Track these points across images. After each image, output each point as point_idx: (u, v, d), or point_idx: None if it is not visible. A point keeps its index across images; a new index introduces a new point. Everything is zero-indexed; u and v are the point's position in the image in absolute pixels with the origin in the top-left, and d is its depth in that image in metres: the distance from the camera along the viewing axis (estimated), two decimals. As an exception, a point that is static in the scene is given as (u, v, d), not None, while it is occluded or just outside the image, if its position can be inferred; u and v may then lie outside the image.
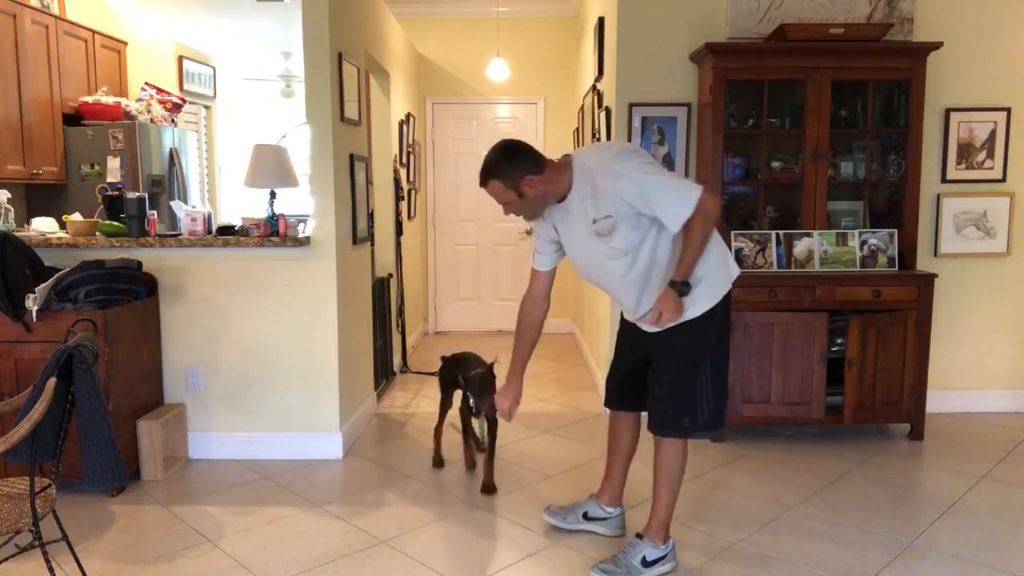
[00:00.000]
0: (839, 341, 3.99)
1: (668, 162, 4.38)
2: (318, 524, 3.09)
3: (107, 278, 3.34)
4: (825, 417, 3.95)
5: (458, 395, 3.70)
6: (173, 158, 5.49)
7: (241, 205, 6.82)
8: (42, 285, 3.22)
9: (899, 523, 3.07)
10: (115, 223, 3.83)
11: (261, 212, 3.84)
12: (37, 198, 4.92)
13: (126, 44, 5.71)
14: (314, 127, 3.73)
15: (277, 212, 3.76)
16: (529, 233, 7.15)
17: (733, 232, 4.06)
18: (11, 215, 4.06)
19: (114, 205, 4.23)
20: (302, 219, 3.81)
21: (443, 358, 3.80)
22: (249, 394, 3.83)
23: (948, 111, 4.37)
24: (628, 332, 2.82)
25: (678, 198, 2.42)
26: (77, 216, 3.95)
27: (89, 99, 5.05)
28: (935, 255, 4.44)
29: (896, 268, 4.06)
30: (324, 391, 3.82)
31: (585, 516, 3.00)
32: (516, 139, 2.65)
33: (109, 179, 5.00)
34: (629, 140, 4.38)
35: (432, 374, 4.00)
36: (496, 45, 6.87)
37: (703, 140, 4.20)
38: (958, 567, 2.71)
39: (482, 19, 6.89)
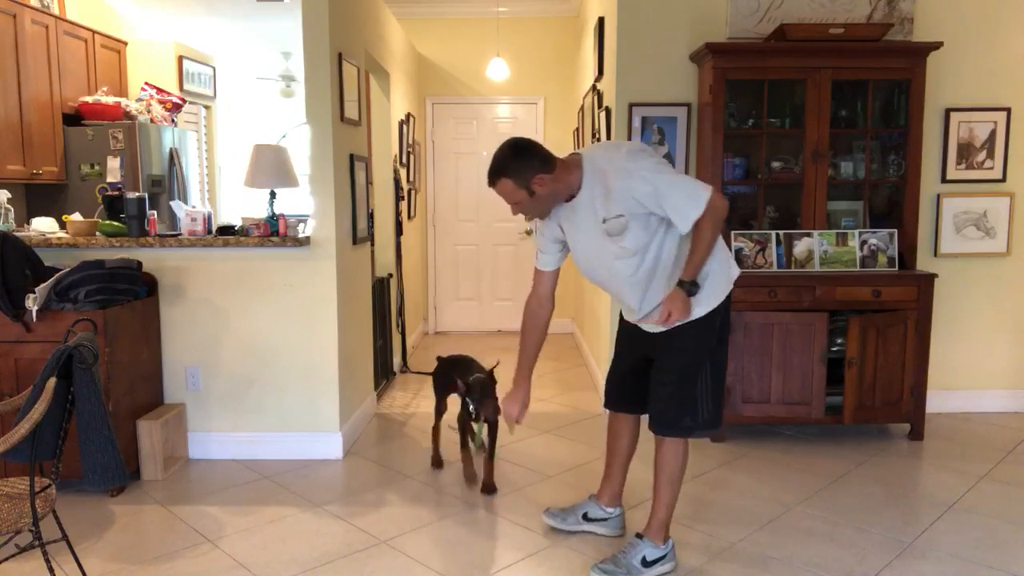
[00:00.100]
0: (839, 341, 3.99)
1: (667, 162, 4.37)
2: (318, 524, 3.09)
3: (107, 278, 3.34)
4: (825, 417, 3.95)
5: (453, 399, 3.65)
6: (173, 158, 5.49)
7: (241, 205, 6.83)
8: (42, 285, 3.22)
9: (899, 523, 3.07)
10: (115, 223, 3.83)
11: (261, 212, 3.84)
12: (37, 198, 4.92)
13: (126, 44, 5.71)
14: (314, 127, 3.73)
15: (277, 212, 3.76)
16: (529, 233, 7.15)
17: (733, 232, 4.06)
18: (11, 215, 4.06)
19: (114, 205, 4.23)
20: (302, 219, 3.81)
21: (439, 359, 3.79)
22: (249, 394, 3.83)
23: (948, 111, 4.37)
24: (628, 332, 2.82)
25: (689, 198, 2.42)
26: (77, 216, 3.95)
27: (89, 99, 5.05)
28: (935, 255, 4.44)
29: (896, 268, 4.06)
30: (324, 391, 3.82)
31: (585, 517, 3.00)
32: (525, 137, 2.61)
33: (109, 179, 5.00)
34: (629, 140, 4.38)
35: (430, 374, 3.87)
36: (496, 45, 6.87)
37: (703, 140, 4.20)
38: (958, 567, 2.71)
39: (482, 19, 6.89)
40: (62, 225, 4.03)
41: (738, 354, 3.93)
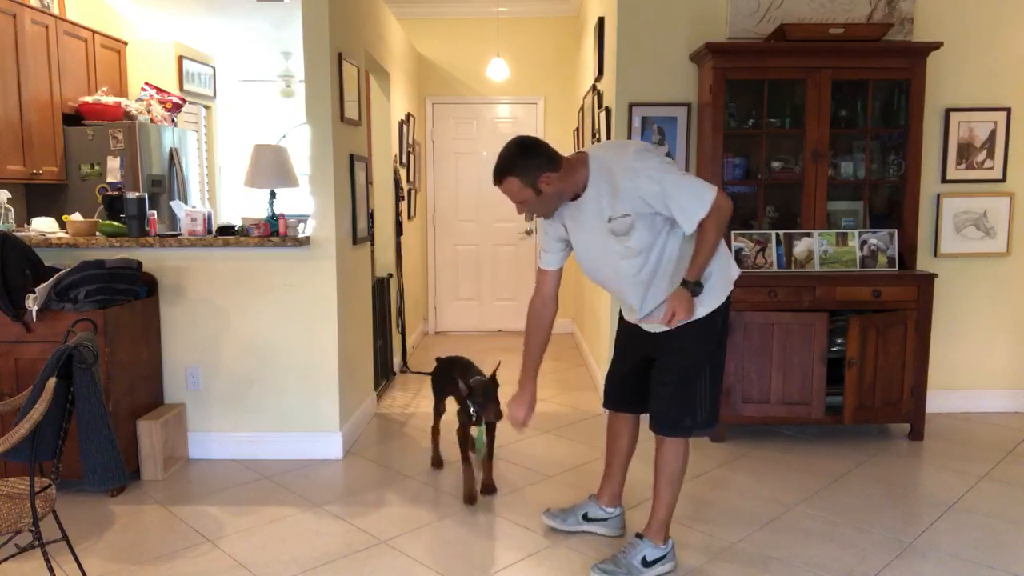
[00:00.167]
0: (839, 341, 3.99)
1: (668, 162, 4.37)
2: (318, 524, 3.09)
3: (107, 278, 3.34)
4: (825, 417, 3.95)
5: (450, 403, 3.60)
6: (173, 158, 5.49)
7: (241, 205, 6.83)
8: (42, 285, 3.22)
9: (899, 523, 3.07)
10: (115, 223, 3.83)
11: (261, 212, 3.84)
12: (37, 198, 4.92)
13: (126, 44, 5.71)
14: (314, 127, 3.73)
15: (277, 212, 3.76)
16: (529, 233, 7.15)
17: (733, 232, 4.06)
18: (11, 215, 4.06)
19: (114, 205, 4.23)
20: (302, 219, 3.81)
21: (438, 359, 3.77)
22: (249, 394, 3.83)
23: (948, 111, 4.37)
24: (629, 333, 2.82)
25: (695, 198, 2.42)
26: (77, 216, 3.95)
27: (89, 99, 5.05)
28: (935, 255, 4.44)
29: (896, 268, 4.06)
30: (324, 391, 3.82)
31: (585, 517, 3.00)
32: (530, 135, 2.59)
33: (109, 179, 5.00)
34: (629, 140, 4.38)
35: (430, 374, 3.84)
36: (496, 45, 6.87)
37: (703, 140, 4.20)
38: (958, 567, 2.71)
39: (482, 19, 6.89)
40: (62, 225, 4.03)
41: (738, 354, 3.93)
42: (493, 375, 3.31)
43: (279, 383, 3.82)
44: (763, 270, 4.04)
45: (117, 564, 2.75)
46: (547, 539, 2.95)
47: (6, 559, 2.36)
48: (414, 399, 4.98)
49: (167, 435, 3.62)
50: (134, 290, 3.52)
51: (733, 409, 3.98)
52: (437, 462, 3.72)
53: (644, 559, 2.63)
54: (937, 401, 4.39)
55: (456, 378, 3.39)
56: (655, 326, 2.62)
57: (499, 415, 3.14)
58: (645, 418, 2.78)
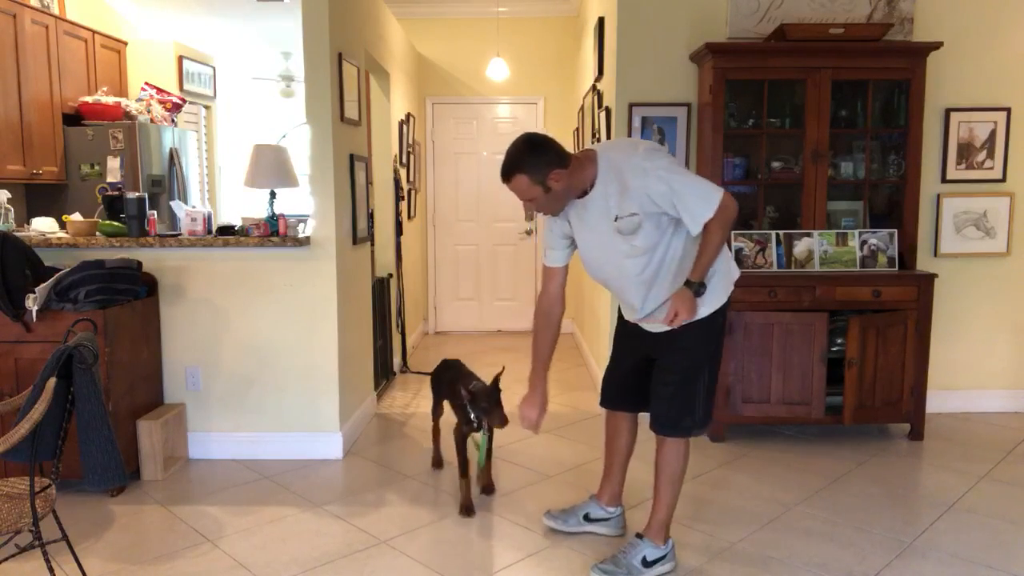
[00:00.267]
0: (839, 341, 3.99)
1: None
2: (318, 524, 3.09)
3: (107, 278, 3.34)
4: (825, 417, 3.95)
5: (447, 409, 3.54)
6: (173, 158, 5.49)
7: (241, 205, 6.83)
8: (42, 285, 3.22)
9: (899, 523, 3.07)
10: (115, 223, 3.83)
11: (261, 212, 3.84)
12: (37, 198, 4.92)
13: (126, 44, 5.71)
14: (314, 127, 3.73)
15: (277, 212, 3.76)
16: (529, 233, 7.15)
17: (733, 232, 4.06)
18: (11, 215, 4.06)
19: (114, 205, 4.23)
20: (302, 219, 3.81)
21: (444, 362, 3.69)
22: (249, 394, 3.83)
23: (948, 111, 4.37)
24: (629, 333, 2.82)
25: (702, 200, 2.42)
26: (77, 216, 3.95)
27: (89, 99, 5.05)
28: (935, 255, 4.44)
29: (896, 268, 4.06)
30: (324, 391, 3.82)
31: (586, 517, 2.99)
32: (538, 132, 2.58)
33: (109, 179, 5.00)
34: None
35: (429, 374, 3.80)
36: (496, 45, 6.87)
37: (703, 140, 4.20)
38: (958, 567, 2.71)
39: (482, 19, 6.89)
40: (62, 225, 4.03)
41: (738, 354, 3.93)
42: (496, 379, 3.19)
43: (279, 383, 3.82)
44: (763, 270, 4.04)
45: (117, 564, 2.75)
46: (547, 539, 2.95)
47: (6, 559, 2.36)
48: (414, 399, 4.98)
49: (167, 435, 3.62)
50: (134, 290, 3.52)
51: (733, 409, 3.98)
52: (438, 462, 3.71)
53: (644, 559, 2.63)
54: (937, 401, 4.39)
55: (454, 384, 3.32)
56: (657, 326, 2.61)
57: (504, 421, 3.05)
58: (644, 418, 2.79)
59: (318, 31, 3.68)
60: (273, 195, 3.80)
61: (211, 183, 6.68)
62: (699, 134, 4.30)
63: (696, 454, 3.76)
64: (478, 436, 3.30)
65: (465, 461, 3.22)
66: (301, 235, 3.72)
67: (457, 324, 7.34)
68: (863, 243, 4.06)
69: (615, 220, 2.49)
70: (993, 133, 4.38)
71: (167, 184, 5.39)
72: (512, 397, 3.10)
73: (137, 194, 3.73)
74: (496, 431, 3.31)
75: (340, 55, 3.83)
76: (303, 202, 3.99)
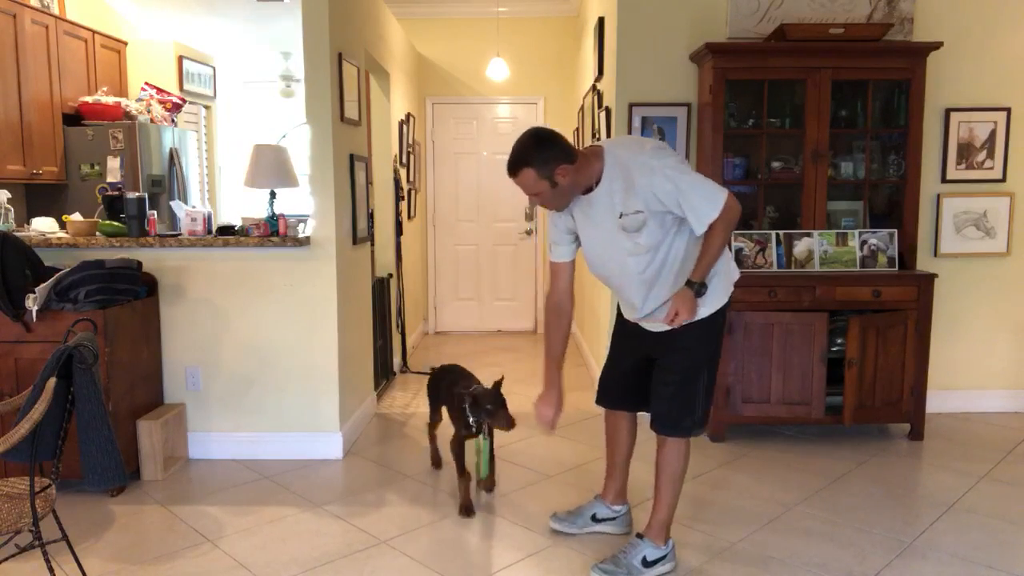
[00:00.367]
0: (839, 341, 3.99)
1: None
2: (318, 524, 3.09)
3: (107, 278, 3.34)
4: (825, 417, 3.95)
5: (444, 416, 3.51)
6: (173, 158, 5.49)
7: (241, 205, 6.82)
8: (42, 285, 3.22)
9: (899, 523, 3.07)
10: (115, 223, 3.83)
11: (261, 212, 3.84)
12: (37, 198, 4.92)
13: (126, 44, 5.71)
14: (314, 127, 3.73)
15: (277, 212, 3.76)
16: (529, 233, 7.15)
17: (733, 232, 4.05)
18: (11, 215, 4.06)
19: (114, 205, 4.23)
20: (302, 219, 3.81)
21: (442, 367, 3.64)
22: (249, 394, 3.83)
23: (948, 111, 4.37)
24: (628, 332, 2.82)
25: (707, 200, 2.42)
26: (77, 216, 3.95)
27: (89, 99, 5.05)
28: (935, 255, 4.44)
29: (896, 268, 4.06)
30: (324, 391, 3.82)
31: (593, 518, 2.99)
32: (545, 127, 2.58)
33: (109, 179, 5.00)
34: (629, 140, 4.38)
35: (427, 373, 3.77)
36: (496, 45, 6.87)
37: (703, 140, 4.20)
38: (958, 567, 2.71)
39: (482, 19, 6.89)
40: (62, 225, 4.03)
41: (738, 354, 3.93)
42: (497, 385, 3.14)
43: (279, 383, 3.82)
44: (763, 270, 4.04)
45: (117, 564, 2.75)
46: (547, 539, 2.95)
47: (6, 559, 2.36)
48: (414, 399, 4.98)
49: (167, 435, 3.62)
50: (134, 290, 3.52)
51: (733, 409, 3.98)
52: (436, 461, 3.70)
53: (644, 559, 2.63)
54: (937, 401, 4.39)
55: (453, 387, 3.27)
56: (657, 325, 2.62)
57: (511, 423, 3.02)
58: (644, 418, 2.79)
59: (318, 31, 3.68)
60: (273, 195, 3.80)
61: (211, 183, 6.68)
62: (699, 134, 4.30)
63: (696, 454, 3.75)
64: (478, 442, 3.23)
65: (463, 462, 3.21)
66: (301, 235, 3.72)
67: (457, 324, 7.34)
68: (863, 243, 4.06)
69: (620, 217, 2.49)
70: (993, 133, 4.38)
71: (167, 184, 5.39)
72: (512, 398, 3.11)
73: (137, 194, 3.73)
74: (496, 432, 3.29)
75: (340, 55, 3.83)
76: (303, 202, 3.99)
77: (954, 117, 4.37)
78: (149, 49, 5.89)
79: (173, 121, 5.64)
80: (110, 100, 5.08)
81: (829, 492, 3.39)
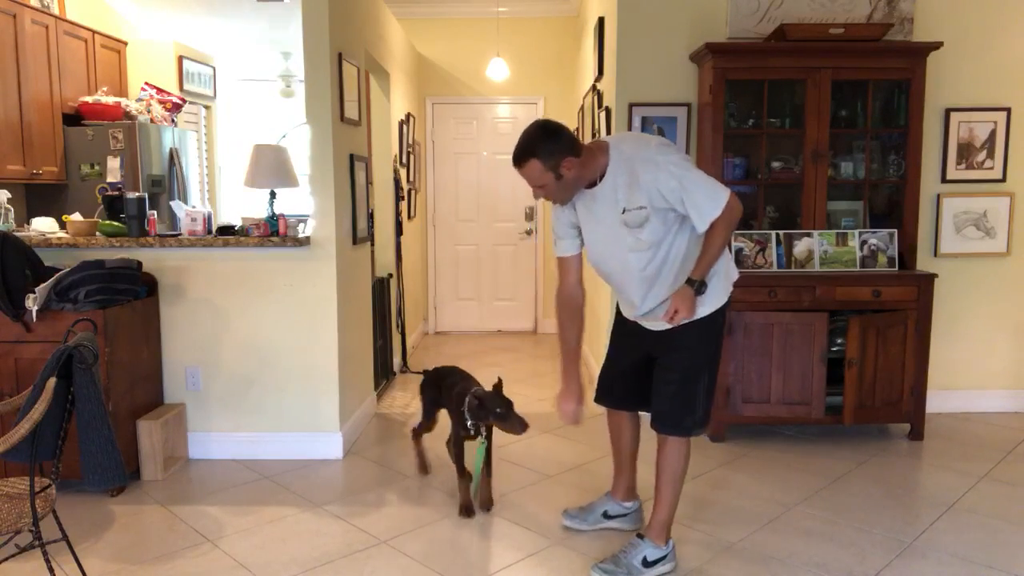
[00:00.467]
0: (839, 341, 3.99)
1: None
2: (318, 524, 3.09)
3: (107, 278, 3.34)
4: (825, 417, 3.95)
5: (444, 421, 3.43)
6: (173, 158, 5.49)
7: (241, 205, 6.82)
8: (42, 285, 3.22)
9: (899, 523, 3.07)
10: (115, 223, 3.83)
11: (261, 212, 3.84)
12: (37, 198, 4.92)
13: (126, 44, 5.71)
14: (314, 127, 3.73)
15: (277, 212, 3.76)
16: (529, 233, 7.15)
17: (734, 232, 4.05)
18: (11, 215, 4.06)
19: (114, 205, 4.23)
20: (302, 219, 3.81)
21: (437, 369, 3.57)
22: (249, 394, 3.83)
23: (948, 111, 4.37)
24: (628, 331, 2.82)
25: (710, 199, 2.43)
26: (77, 216, 3.94)
27: (89, 99, 5.05)
28: (935, 255, 4.44)
29: (896, 268, 4.06)
30: (324, 391, 3.82)
31: (605, 515, 3.01)
32: (552, 120, 2.57)
33: (109, 179, 5.00)
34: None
35: (423, 373, 3.67)
36: (496, 45, 6.87)
37: (703, 140, 4.20)
38: (958, 567, 2.71)
39: (482, 19, 6.89)
40: (62, 225, 4.02)
41: (738, 354, 3.93)
42: (498, 387, 3.11)
43: (279, 383, 3.82)
44: (763, 270, 4.04)
45: (117, 564, 2.75)
46: (547, 539, 2.95)
47: (6, 559, 2.36)
48: (414, 399, 4.97)
49: (167, 435, 3.62)
50: (134, 290, 3.52)
51: (733, 409, 3.98)
52: (424, 467, 3.59)
53: (645, 559, 2.63)
54: (937, 401, 4.39)
55: (453, 388, 3.22)
56: (657, 324, 2.62)
57: (524, 425, 2.97)
58: (645, 417, 2.79)
59: (318, 31, 3.68)
60: (273, 195, 3.80)
61: (211, 183, 6.68)
62: (699, 134, 4.30)
63: (696, 454, 3.75)
64: (479, 448, 3.16)
65: (463, 462, 3.20)
66: (301, 235, 3.72)
67: (457, 324, 7.34)
68: (863, 243, 4.06)
69: (622, 212, 2.49)
70: (993, 133, 4.38)
71: (167, 184, 5.39)
72: (513, 398, 3.09)
73: (137, 194, 3.73)
74: (496, 433, 3.23)
75: (340, 55, 3.83)
76: (303, 202, 3.99)
77: (954, 117, 4.37)
78: (149, 49, 5.89)
79: (173, 121, 5.64)
80: (110, 100, 5.08)
81: (829, 492, 3.39)
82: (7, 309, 3.21)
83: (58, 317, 3.26)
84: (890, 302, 3.95)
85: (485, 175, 7.13)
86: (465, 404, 3.09)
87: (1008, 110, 4.37)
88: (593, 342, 5.49)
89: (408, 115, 6.22)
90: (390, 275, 5.49)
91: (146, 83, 5.54)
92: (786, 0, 4.24)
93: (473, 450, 3.17)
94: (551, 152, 2.44)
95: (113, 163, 5.00)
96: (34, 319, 3.23)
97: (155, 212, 3.87)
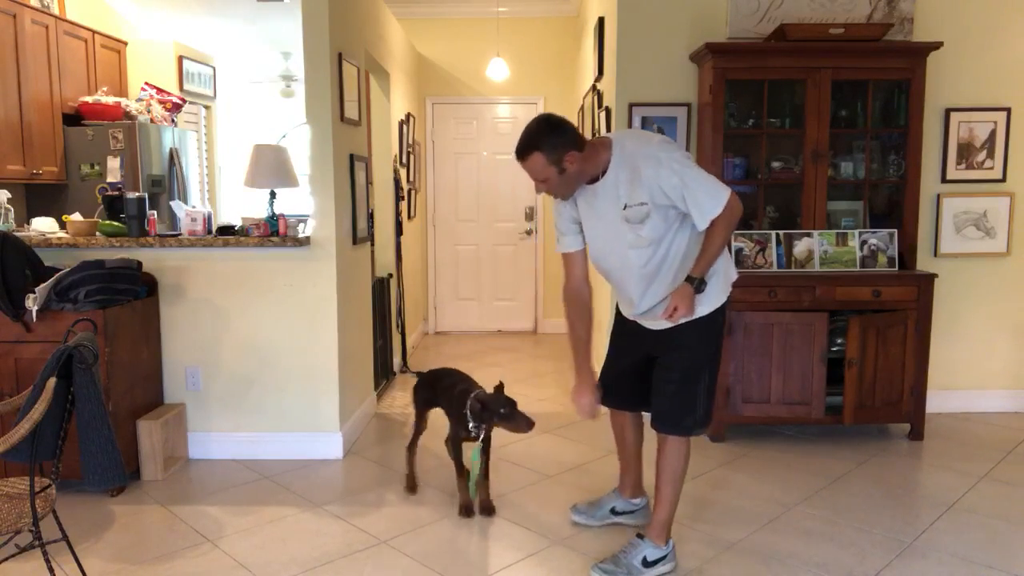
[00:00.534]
0: (839, 341, 3.99)
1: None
2: (318, 524, 3.09)
3: (107, 278, 3.34)
4: (825, 417, 3.95)
5: (439, 421, 3.43)
6: (173, 158, 5.49)
7: (241, 205, 6.83)
8: (42, 285, 3.22)
9: (899, 523, 3.07)
10: (115, 223, 3.83)
11: (261, 212, 3.84)
12: (37, 198, 4.92)
13: (126, 44, 5.71)
14: (314, 127, 3.73)
15: (277, 212, 3.76)
16: (529, 233, 7.15)
17: (734, 232, 4.05)
18: (11, 215, 4.06)
19: (114, 205, 4.23)
20: (302, 219, 3.81)
21: (432, 371, 3.51)
22: (249, 394, 3.83)
23: (948, 111, 4.37)
24: (629, 331, 2.82)
25: (711, 197, 2.44)
26: (77, 216, 3.95)
27: (89, 99, 5.05)
28: (935, 255, 4.44)
29: (896, 268, 4.06)
30: (324, 391, 3.82)
31: (613, 511, 3.03)
32: (556, 114, 2.58)
33: (109, 179, 5.00)
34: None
35: (421, 374, 3.61)
36: (496, 45, 6.87)
37: (703, 140, 4.20)
38: (958, 567, 2.71)
39: (482, 19, 6.89)
40: (62, 225, 4.02)
41: (738, 354, 3.93)
42: (499, 388, 3.07)
43: (279, 383, 3.82)
44: (763, 270, 4.04)
45: (117, 564, 2.75)
46: (547, 539, 2.95)
47: (6, 559, 2.36)
48: (414, 399, 4.97)
49: (167, 435, 3.62)
50: (134, 290, 3.52)
51: (733, 409, 3.98)
52: (411, 486, 3.41)
53: (645, 559, 2.63)
54: (937, 401, 4.39)
55: (452, 389, 3.18)
56: (656, 323, 2.62)
57: (531, 424, 2.95)
58: (646, 417, 2.79)
59: (318, 31, 3.68)
60: (273, 195, 3.80)
61: (211, 183, 6.68)
62: (699, 134, 4.30)
63: (696, 454, 3.75)
64: (475, 451, 3.09)
65: (461, 462, 3.20)
66: (301, 235, 3.72)
67: (457, 324, 7.34)
68: (863, 243, 4.06)
69: (624, 208, 2.50)
70: (993, 133, 4.38)
71: (167, 184, 5.39)
72: (513, 398, 3.09)
73: (137, 194, 3.73)
74: (491, 436, 3.16)
75: (340, 55, 3.83)
76: (303, 202, 3.99)
77: (954, 117, 4.37)
78: (149, 49, 5.89)
79: (173, 121, 5.64)
80: (110, 100, 5.08)
81: (829, 492, 3.39)
82: (7, 309, 3.21)
83: (58, 317, 3.26)
84: (890, 302, 3.95)
85: (485, 175, 7.13)
86: (467, 406, 3.05)
87: (1008, 110, 4.37)
88: (594, 343, 5.49)
89: (408, 115, 6.22)
90: (390, 275, 5.49)
91: (146, 83, 5.54)
92: (786, 0, 4.24)
93: (471, 449, 3.15)
94: (554, 146, 2.45)
95: (113, 163, 5.00)
96: (34, 319, 3.23)
97: (155, 212, 3.88)
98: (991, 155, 4.40)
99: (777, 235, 4.07)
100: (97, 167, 5.01)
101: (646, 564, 2.63)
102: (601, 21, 5.02)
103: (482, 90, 7.04)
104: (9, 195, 4.03)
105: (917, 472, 3.68)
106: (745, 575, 2.66)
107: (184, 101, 5.83)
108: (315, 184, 3.75)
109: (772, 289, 3.92)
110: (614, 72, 4.43)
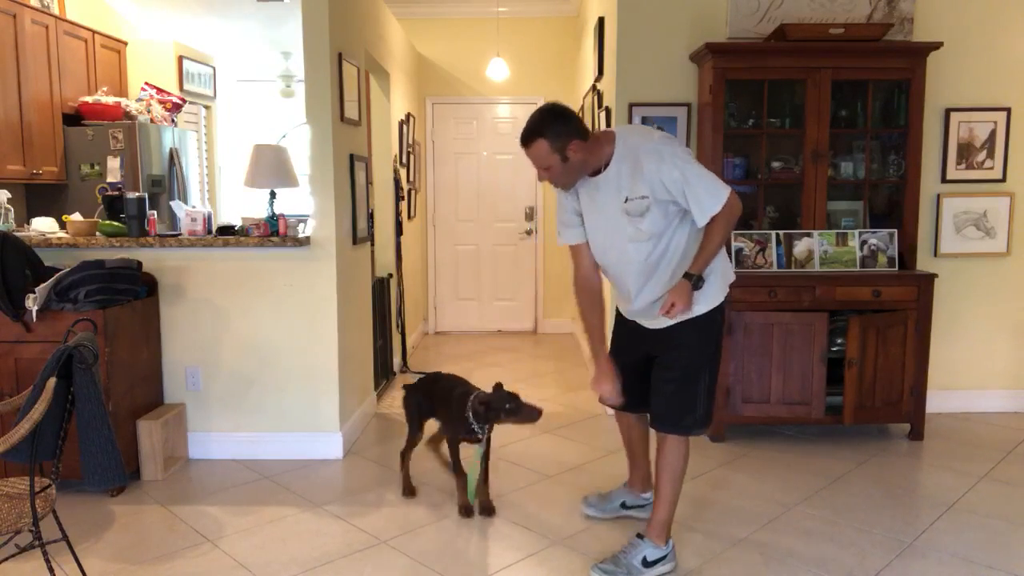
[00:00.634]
0: (839, 341, 3.99)
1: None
2: (318, 524, 3.09)
3: (107, 278, 3.34)
4: (825, 417, 3.95)
5: (434, 428, 3.40)
6: (173, 158, 5.49)
7: (241, 205, 6.82)
8: (42, 285, 3.22)
9: (899, 523, 3.07)
10: (115, 223, 3.83)
11: (261, 212, 3.84)
12: (37, 198, 4.92)
13: (126, 44, 5.71)
14: (314, 127, 3.73)
15: (277, 212, 3.76)
16: (529, 234, 7.15)
17: (733, 232, 4.05)
18: (11, 215, 4.06)
19: (114, 205, 4.23)
20: (302, 219, 3.81)
21: (426, 376, 3.46)
22: (249, 394, 3.83)
23: (948, 111, 4.37)
24: (629, 331, 2.83)
25: (711, 194, 2.45)
26: (77, 216, 3.95)
27: (89, 99, 5.05)
28: (935, 255, 4.44)
29: (896, 268, 4.06)
30: (324, 391, 3.82)
31: (623, 505, 3.06)
32: (561, 103, 2.58)
33: (109, 179, 5.00)
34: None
35: (425, 375, 3.56)
36: (496, 45, 6.87)
37: (703, 140, 4.20)
38: (958, 567, 2.71)
39: (482, 19, 6.89)
40: (62, 225, 4.02)
41: (738, 354, 3.93)
42: (499, 386, 3.06)
43: (279, 383, 3.82)
44: (763, 270, 4.04)
45: (117, 564, 2.75)
46: (547, 539, 2.95)
47: (6, 559, 2.36)
48: (414, 399, 4.97)
49: (167, 435, 3.62)
50: (134, 290, 3.52)
51: (733, 409, 3.98)
52: (409, 491, 3.37)
53: (644, 559, 2.63)
54: (937, 401, 4.39)
55: (450, 392, 3.15)
56: (655, 321, 2.63)
57: (538, 412, 2.94)
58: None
59: (318, 31, 3.68)
60: (273, 195, 3.80)
61: (211, 183, 6.67)
62: (699, 134, 4.30)
63: (696, 454, 3.75)
64: (476, 453, 3.09)
65: (459, 461, 3.20)
66: (301, 235, 3.72)
67: (457, 324, 7.34)
68: (863, 243, 4.06)
69: (625, 201, 2.52)
70: (993, 133, 4.38)
71: (167, 184, 5.39)
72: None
73: (137, 194, 3.74)
74: (501, 430, 3.26)
75: (340, 55, 3.83)
76: (303, 202, 3.99)
77: (954, 117, 4.37)
78: (149, 49, 5.89)
79: (173, 121, 5.64)
80: (110, 100, 5.08)
81: (829, 492, 3.39)
82: (7, 309, 3.21)
83: (58, 317, 3.26)
84: (890, 302, 3.95)
85: (485, 175, 7.13)
86: (469, 409, 3.01)
87: (1008, 110, 4.36)
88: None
89: (408, 115, 6.22)
90: (390, 275, 5.49)
91: (146, 83, 5.54)
92: (786, 0, 4.24)
93: (470, 450, 3.14)
94: (559, 134, 2.46)
95: (113, 163, 5.00)
96: (34, 319, 3.23)
97: (155, 212, 3.88)
98: (991, 155, 4.40)
99: (777, 235, 4.07)
100: (97, 167, 5.01)
101: (646, 564, 2.63)
102: (601, 21, 5.02)
103: (482, 90, 7.04)
104: (9, 195, 4.03)
105: (917, 472, 3.68)
106: (745, 575, 2.66)
107: (184, 101, 5.83)
108: (315, 184, 3.75)
109: (772, 289, 3.92)
110: (614, 72, 4.43)
